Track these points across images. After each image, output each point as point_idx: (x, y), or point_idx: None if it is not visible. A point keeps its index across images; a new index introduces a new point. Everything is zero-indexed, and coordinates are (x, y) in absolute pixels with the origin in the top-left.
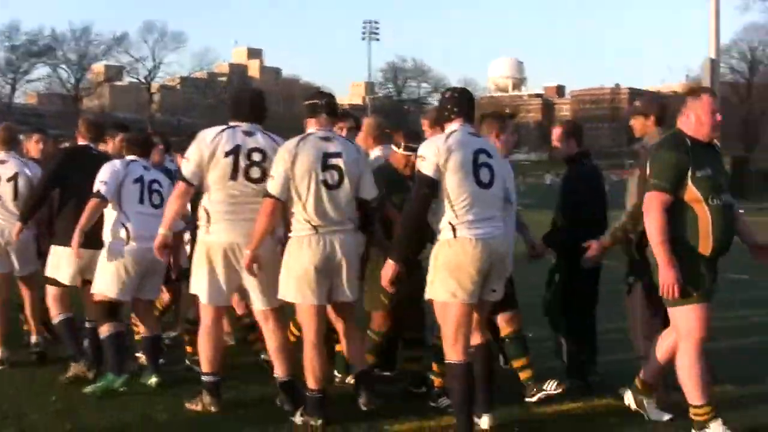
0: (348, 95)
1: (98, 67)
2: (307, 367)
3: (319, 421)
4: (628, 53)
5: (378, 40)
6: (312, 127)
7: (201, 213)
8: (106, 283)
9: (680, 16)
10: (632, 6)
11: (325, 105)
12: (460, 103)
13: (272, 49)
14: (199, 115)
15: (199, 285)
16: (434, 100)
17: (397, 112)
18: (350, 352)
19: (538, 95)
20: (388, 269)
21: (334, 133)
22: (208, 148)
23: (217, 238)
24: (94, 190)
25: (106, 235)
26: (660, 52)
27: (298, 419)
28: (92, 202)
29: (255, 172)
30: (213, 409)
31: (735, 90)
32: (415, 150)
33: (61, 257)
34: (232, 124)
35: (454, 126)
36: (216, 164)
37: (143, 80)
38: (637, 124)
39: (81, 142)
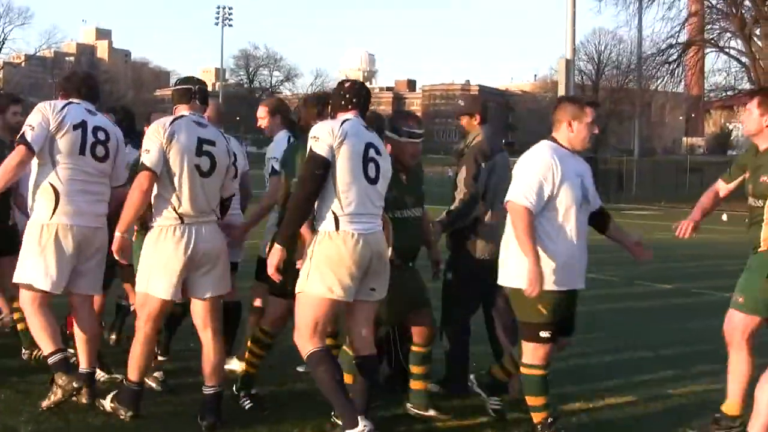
0: None
1: None
2: (132, 357)
3: (129, 413)
4: (479, 53)
5: (231, 26)
6: (183, 112)
7: (44, 191)
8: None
9: (530, 18)
10: (485, 4)
11: (198, 91)
12: (359, 95)
13: (121, 31)
14: (45, 95)
15: (34, 270)
16: (286, 89)
17: (248, 100)
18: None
19: (389, 89)
20: (275, 255)
21: (206, 121)
22: (54, 118)
23: (68, 220)
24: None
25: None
26: (510, 52)
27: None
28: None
29: (100, 150)
30: (70, 389)
31: (583, 91)
32: (420, 136)
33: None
34: (73, 100)
35: (348, 116)
36: (65, 136)
37: None
38: (463, 122)
39: None
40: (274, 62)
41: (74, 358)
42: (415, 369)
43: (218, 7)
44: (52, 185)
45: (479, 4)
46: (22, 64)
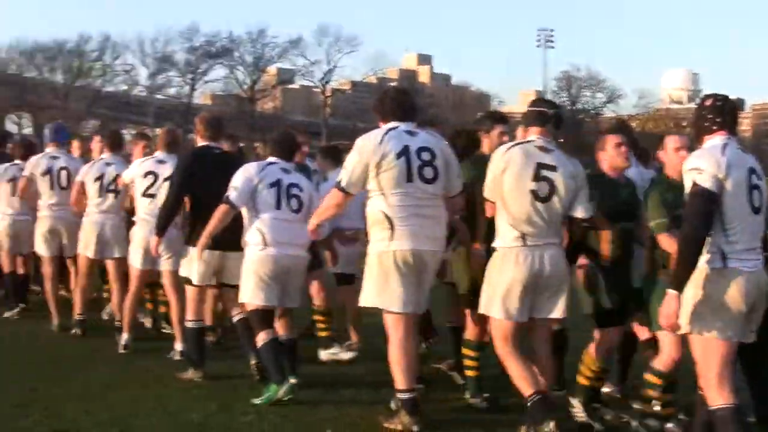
0: (517, 104)
1: (272, 69)
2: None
3: None
4: None
5: (553, 47)
6: (533, 135)
7: (378, 219)
8: (249, 290)
9: None
10: None
11: (553, 116)
12: (723, 112)
13: (442, 56)
14: (371, 120)
15: (386, 295)
16: (609, 111)
17: (572, 123)
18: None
19: None
20: (671, 302)
21: (553, 146)
22: (375, 153)
23: (399, 245)
24: (226, 194)
25: (244, 241)
26: None
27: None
28: (221, 208)
29: (428, 173)
30: (415, 429)
31: None
32: None
33: (194, 257)
34: (391, 125)
35: (720, 140)
36: (388, 167)
37: (317, 83)
38: None
39: (201, 142)
40: (597, 83)
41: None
42: None
43: (539, 30)
44: (384, 213)
45: None
46: (348, 91)
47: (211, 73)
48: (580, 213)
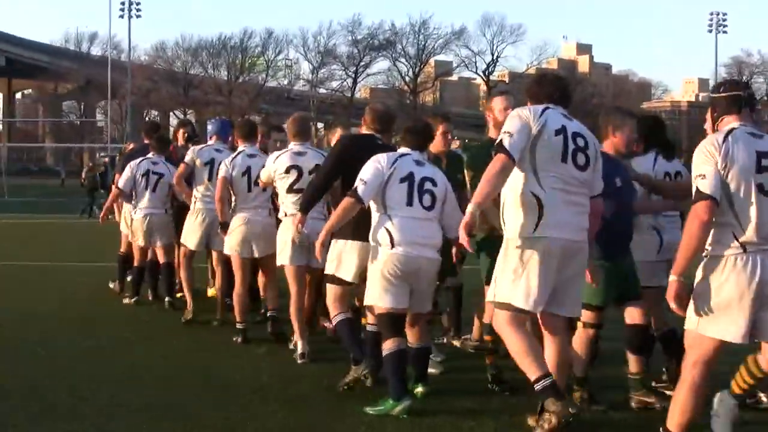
0: (680, 92)
1: (431, 62)
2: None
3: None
4: None
5: (726, 32)
6: (732, 124)
7: (525, 201)
8: (376, 292)
9: None
10: None
11: (747, 97)
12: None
13: (602, 45)
14: None
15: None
16: None
17: None
18: None
19: None
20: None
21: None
22: (534, 123)
23: (551, 233)
24: (354, 187)
25: (372, 239)
26: None
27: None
28: (346, 201)
29: (581, 159)
30: (571, 410)
31: None
32: None
33: (343, 252)
34: (545, 105)
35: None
36: (545, 143)
37: (482, 74)
38: None
39: (365, 131)
40: None
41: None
42: None
43: (711, 14)
44: (534, 195)
45: None
46: (506, 82)
47: (374, 66)
48: None
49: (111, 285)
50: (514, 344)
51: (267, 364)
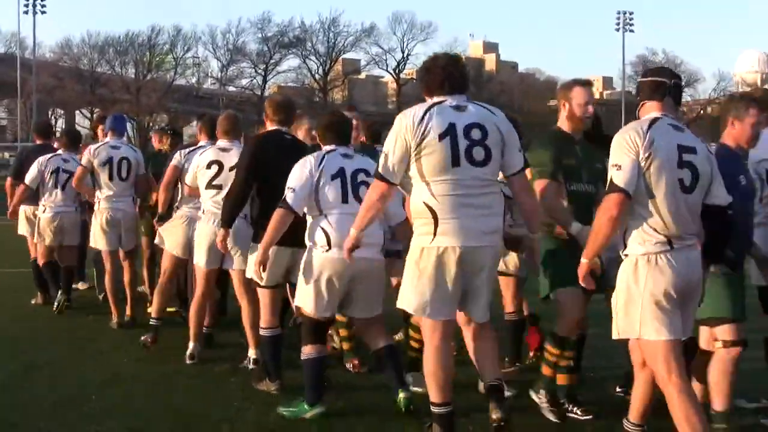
0: None
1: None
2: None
3: None
4: None
5: (633, 31)
6: (654, 113)
7: (421, 211)
8: (305, 296)
9: None
10: None
11: (673, 86)
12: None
13: (508, 43)
14: None
15: (416, 298)
16: (686, 95)
17: None
18: None
19: None
20: None
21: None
22: (413, 135)
23: (447, 241)
24: (283, 197)
25: (308, 239)
26: None
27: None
28: (278, 213)
29: (478, 154)
30: None
31: None
32: None
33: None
34: (435, 100)
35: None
36: (429, 151)
37: (392, 72)
38: None
39: (270, 126)
40: (674, 67)
41: None
42: None
43: (618, 13)
44: (427, 205)
45: None
46: (414, 80)
47: (284, 63)
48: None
49: (33, 302)
50: (427, 361)
51: (219, 380)
